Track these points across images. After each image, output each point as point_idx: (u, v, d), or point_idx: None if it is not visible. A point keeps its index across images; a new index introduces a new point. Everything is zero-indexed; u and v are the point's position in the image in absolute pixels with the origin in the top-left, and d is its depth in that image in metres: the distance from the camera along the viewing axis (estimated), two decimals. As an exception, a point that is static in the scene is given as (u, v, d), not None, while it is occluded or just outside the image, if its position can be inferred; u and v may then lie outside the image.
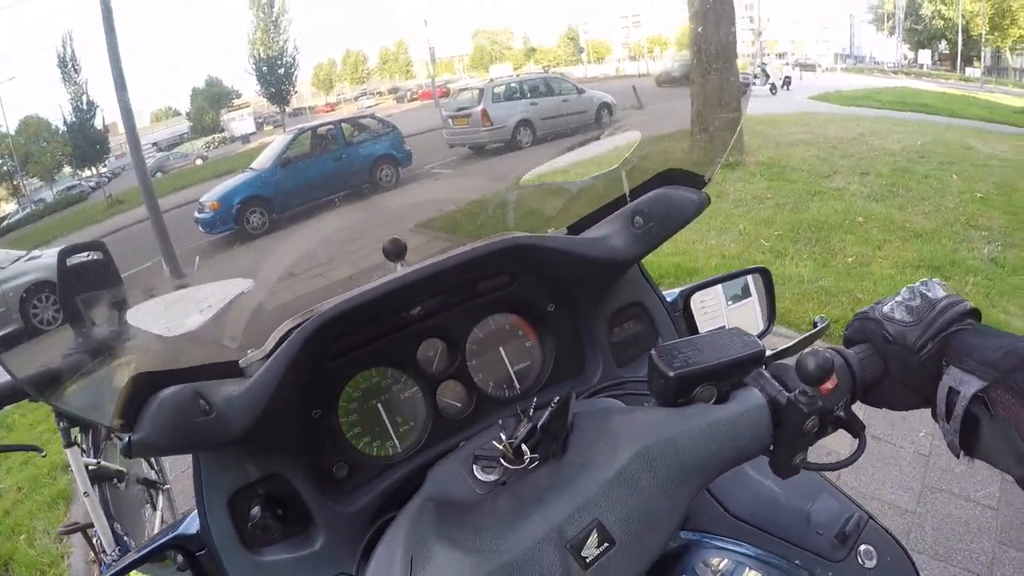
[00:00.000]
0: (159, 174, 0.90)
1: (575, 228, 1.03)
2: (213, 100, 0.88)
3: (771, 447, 0.66)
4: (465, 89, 1.29)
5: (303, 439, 0.80)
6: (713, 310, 1.27)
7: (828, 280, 5.08)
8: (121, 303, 0.81)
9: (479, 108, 1.29)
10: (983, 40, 45.66)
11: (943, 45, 55.85)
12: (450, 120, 1.25)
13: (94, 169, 0.84)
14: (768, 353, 0.71)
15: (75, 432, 2.10)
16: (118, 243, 0.81)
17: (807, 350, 0.64)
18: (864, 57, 66.16)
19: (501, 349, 0.97)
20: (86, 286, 0.79)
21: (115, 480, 2.37)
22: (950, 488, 3.11)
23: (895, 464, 3.25)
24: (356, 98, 1.06)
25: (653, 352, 0.68)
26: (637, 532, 0.59)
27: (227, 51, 0.87)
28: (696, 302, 1.24)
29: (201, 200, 0.95)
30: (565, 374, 1.01)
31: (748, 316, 1.33)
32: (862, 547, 0.86)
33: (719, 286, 1.28)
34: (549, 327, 1.00)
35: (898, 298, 0.74)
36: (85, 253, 0.81)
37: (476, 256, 0.84)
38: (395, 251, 0.92)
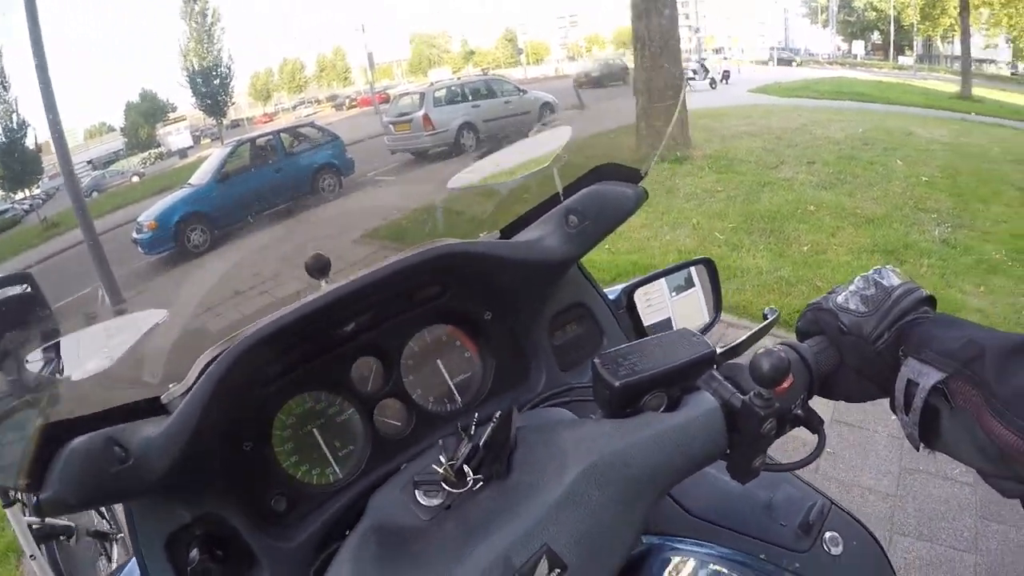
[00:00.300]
0: (95, 193, 0.86)
1: (508, 231, 1.01)
2: (148, 114, 0.86)
3: (728, 451, 0.64)
4: (405, 94, 1.28)
5: (237, 474, 0.76)
6: (658, 304, 1.27)
7: (786, 270, 5.16)
8: (40, 341, 0.77)
9: (420, 113, 1.28)
10: (915, 29, 47.41)
11: (876, 35, 57.93)
12: (391, 126, 1.24)
13: (27, 191, 0.79)
14: (719, 350, 0.68)
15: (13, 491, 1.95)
16: (49, 271, 0.78)
17: (761, 351, 0.62)
18: (799, 50, 68.24)
19: (439, 362, 0.94)
20: (7, 325, 0.74)
21: (63, 537, 2.21)
22: (927, 469, 3.17)
23: (871, 450, 3.30)
24: (295, 107, 1.04)
25: (596, 360, 0.65)
26: (590, 553, 0.57)
27: (161, 63, 0.84)
28: (640, 297, 1.24)
29: (139, 220, 0.91)
30: (508, 383, 0.98)
31: (693, 307, 1.33)
32: (827, 534, 0.85)
33: (663, 279, 1.29)
34: (488, 336, 0.97)
35: (852, 287, 0.73)
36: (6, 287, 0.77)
37: (404, 267, 0.81)
38: (318, 267, 0.86)
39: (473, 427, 0.69)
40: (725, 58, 36.95)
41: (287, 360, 0.81)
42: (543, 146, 1.15)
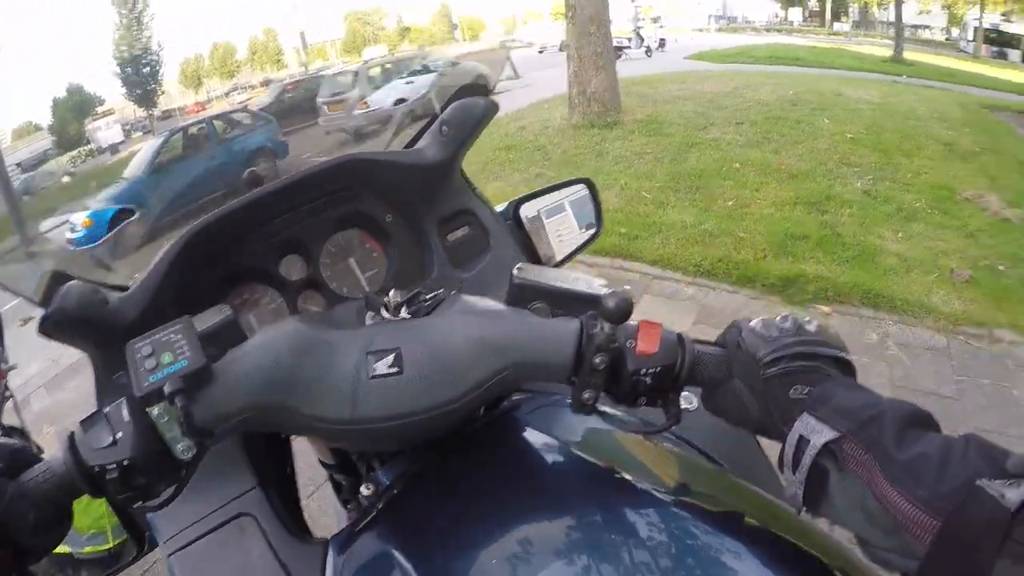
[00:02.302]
0: (26, 197, 0.91)
1: (409, 147, 1.21)
2: (76, 110, 0.89)
3: (573, 377, 0.71)
4: (339, 73, 1.39)
5: None
6: (537, 218, 1.41)
7: (710, 223, 5.45)
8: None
9: (354, 92, 1.39)
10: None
11: (813, 2, 60.11)
12: (325, 107, 1.34)
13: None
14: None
15: None
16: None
17: (616, 291, 0.68)
18: (736, 18, 70.13)
19: (351, 259, 1.14)
20: None
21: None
22: None
23: None
24: (227, 93, 1.12)
25: (518, 264, 0.83)
26: (423, 373, 0.68)
27: (88, 53, 0.86)
28: (525, 212, 1.38)
29: (71, 219, 0.97)
30: (409, 276, 1.18)
31: (575, 224, 1.48)
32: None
33: (545, 196, 1.43)
34: (390, 236, 1.17)
35: (777, 317, 0.74)
36: None
37: (318, 171, 1.00)
38: (251, 181, 1.06)
39: (426, 294, 0.85)
40: (661, 27, 37.59)
41: (228, 252, 0.99)
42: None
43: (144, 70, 0.93)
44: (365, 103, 1.36)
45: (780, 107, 10.22)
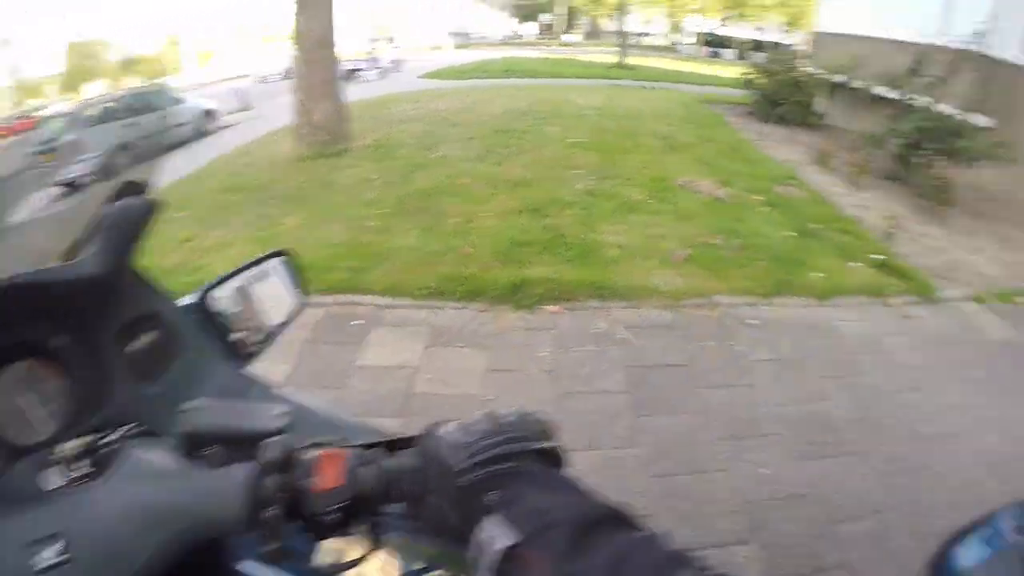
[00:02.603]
0: None
1: (69, 256, 1.08)
2: None
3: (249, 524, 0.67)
4: (52, 117, 1.34)
5: None
6: (238, 303, 1.35)
7: (435, 244, 5.55)
8: None
9: (67, 139, 1.32)
10: (583, 11, 54.11)
11: (546, 17, 64.83)
12: (39, 157, 1.27)
13: None
14: (333, 440, 0.72)
15: None
16: None
17: (273, 439, 0.68)
18: (470, 34, 73.53)
19: (23, 398, 0.99)
20: None
21: None
22: (582, 389, 3.74)
23: (528, 387, 3.77)
24: None
25: (185, 405, 0.75)
26: (91, 557, 0.64)
27: None
28: (218, 299, 1.32)
29: None
30: (93, 401, 1.04)
31: (274, 300, 1.43)
32: None
33: (240, 276, 1.37)
34: (65, 361, 1.04)
35: (472, 418, 0.73)
36: None
37: None
38: None
39: (111, 435, 0.82)
40: (396, 47, 38.42)
41: None
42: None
43: None
44: (81, 149, 1.27)
45: (509, 119, 10.83)
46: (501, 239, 5.58)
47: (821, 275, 5.52)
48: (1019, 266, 6.53)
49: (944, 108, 8.37)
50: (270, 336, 1.41)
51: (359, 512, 0.70)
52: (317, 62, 9.02)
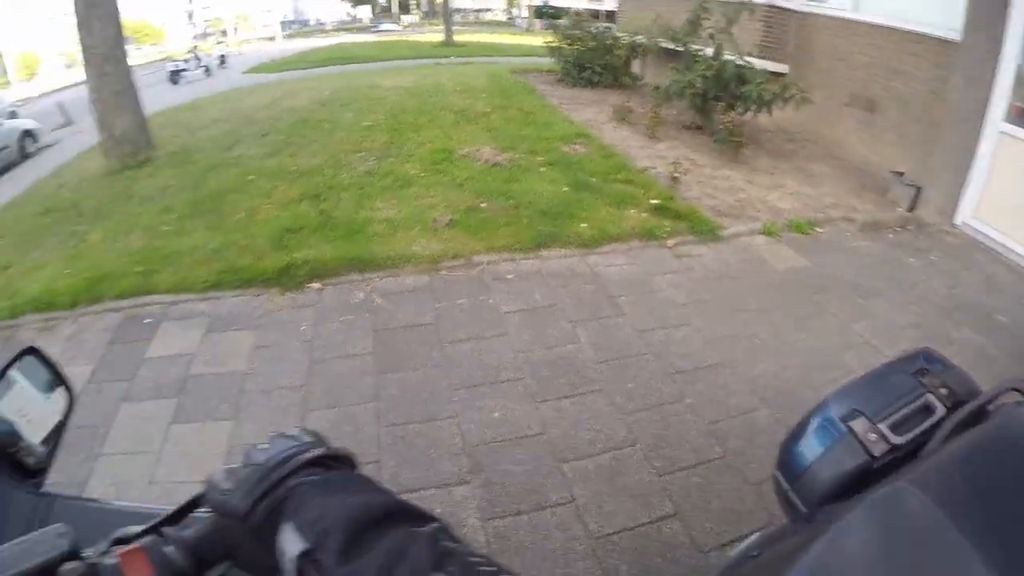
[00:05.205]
0: None
1: None
2: None
3: None
4: None
5: None
6: (2, 420, 1.19)
7: (218, 240, 5.96)
8: None
9: None
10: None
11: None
12: None
13: None
14: (119, 534, 0.72)
15: None
16: None
17: (68, 567, 0.65)
18: (308, 21, 72.02)
19: None
20: None
21: None
22: (333, 355, 4.25)
23: (282, 359, 4.28)
24: None
25: None
26: None
27: None
28: None
29: None
30: None
31: (44, 405, 1.30)
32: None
33: None
34: None
35: (232, 465, 0.74)
36: None
37: None
38: None
39: None
40: (219, 42, 37.45)
41: None
42: None
43: None
44: None
45: (310, 110, 11.19)
46: (276, 228, 6.02)
47: (588, 225, 5.95)
48: (818, 198, 7.04)
49: (732, 58, 8.80)
50: (52, 442, 1.28)
51: None
52: (109, 75, 9.01)
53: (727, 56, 8.91)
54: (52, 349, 4.69)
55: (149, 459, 3.44)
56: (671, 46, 10.45)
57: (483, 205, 6.37)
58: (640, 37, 12.08)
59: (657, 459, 3.26)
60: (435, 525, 0.63)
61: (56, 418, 1.29)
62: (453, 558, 0.58)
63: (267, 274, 5.26)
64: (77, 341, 4.71)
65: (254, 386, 4.02)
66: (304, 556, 0.62)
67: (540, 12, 48.18)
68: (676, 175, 7.14)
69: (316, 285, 5.14)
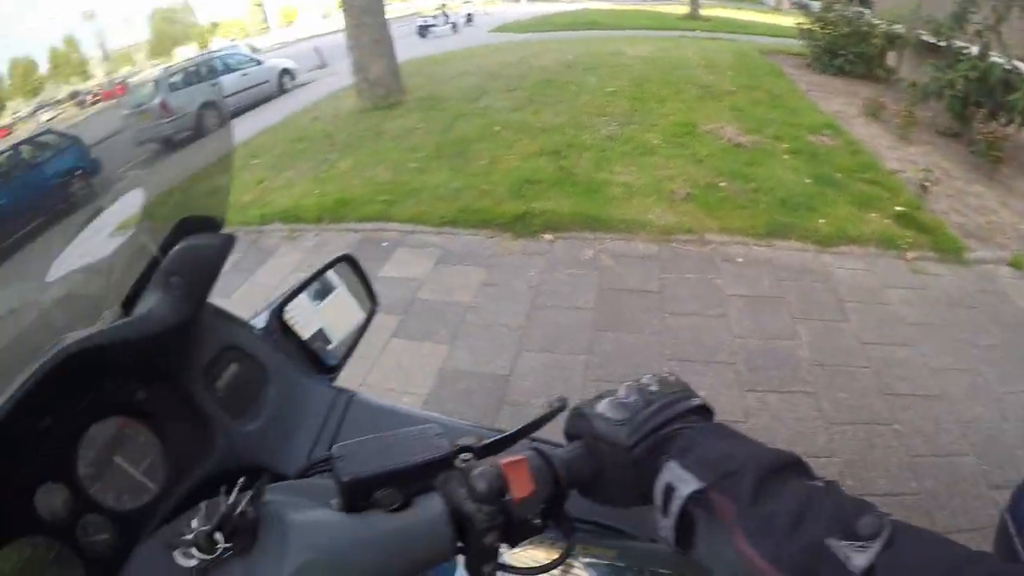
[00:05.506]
0: None
1: (129, 302, 1.01)
2: None
3: (462, 551, 0.68)
4: (142, 82, 1.28)
5: None
6: (309, 315, 1.31)
7: (460, 181, 6.32)
8: None
9: (157, 101, 1.32)
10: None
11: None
12: (132, 118, 1.25)
13: None
14: (485, 442, 0.73)
15: None
16: None
17: (478, 469, 0.66)
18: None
19: (117, 459, 0.94)
20: None
21: None
22: (556, 304, 4.38)
23: (511, 298, 4.47)
24: (34, 112, 1.02)
25: (334, 450, 0.67)
26: None
27: None
28: (291, 315, 1.28)
29: None
30: (192, 451, 1.02)
31: (346, 307, 1.41)
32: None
33: (308, 288, 1.34)
34: (151, 413, 0.99)
35: (618, 393, 0.76)
36: None
37: (32, 384, 0.79)
38: None
39: (235, 492, 0.68)
40: (467, 1, 38.87)
41: None
42: (126, 210, 1.14)
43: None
44: (168, 110, 1.27)
45: (554, 71, 11.38)
46: (516, 178, 6.25)
47: (826, 222, 5.59)
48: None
49: (1000, 61, 7.82)
50: (350, 345, 1.38)
51: (550, 512, 0.72)
52: (367, 25, 9.84)
53: (994, 58, 7.90)
54: (294, 256, 5.46)
55: (366, 364, 3.76)
56: (932, 40, 9.42)
57: (722, 184, 6.23)
58: (898, 26, 11.13)
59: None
60: (830, 480, 0.62)
61: (357, 323, 1.40)
62: (866, 509, 0.56)
63: (503, 219, 5.50)
64: (317, 252, 5.21)
65: (475, 318, 4.25)
66: (697, 494, 0.64)
67: (793, -9, 45.73)
68: (926, 184, 6.47)
69: (549, 236, 5.29)
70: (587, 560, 0.90)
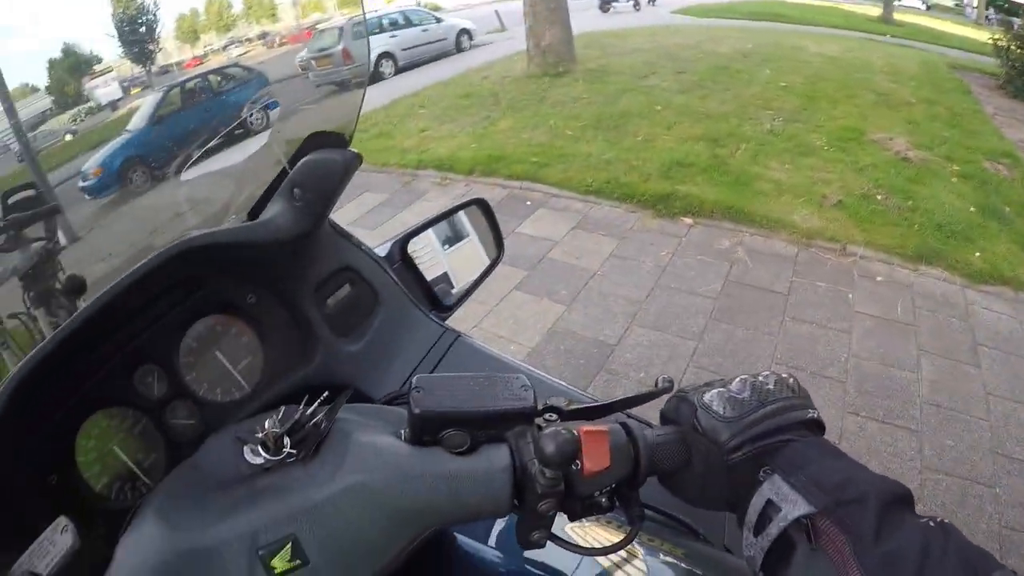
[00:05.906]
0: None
1: (256, 210, 1.06)
2: (73, 69, 0.88)
3: (517, 511, 0.66)
4: (326, 30, 1.34)
5: (46, 511, 0.73)
6: (435, 254, 1.33)
7: (612, 154, 6.46)
8: None
9: (340, 47, 1.34)
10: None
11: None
12: (313, 61, 1.32)
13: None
14: (575, 406, 0.71)
15: None
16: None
17: (550, 430, 0.64)
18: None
19: (217, 353, 1.00)
20: None
21: None
22: (679, 287, 4.47)
23: (636, 272, 4.61)
24: (225, 47, 1.08)
25: (415, 380, 0.66)
26: (334, 559, 0.61)
27: (82, 13, 0.87)
28: (415, 249, 1.29)
29: (83, 169, 0.97)
30: (289, 359, 1.07)
31: (472, 250, 1.41)
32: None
33: (436, 226, 1.36)
34: (258, 318, 1.04)
35: (731, 385, 0.70)
36: None
37: (150, 269, 0.84)
38: (71, 289, 0.92)
39: (316, 403, 0.70)
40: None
41: (68, 384, 0.84)
42: (260, 124, 1.19)
43: (140, 28, 0.93)
44: (350, 57, 1.26)
45: (730, 59, 11.23)
46: (667, 159, 6.30)
47: (981, 257, 5.16)
48: None
49: None
50: (468, 288, 1.39)
51: (621, 494, 0.69)
52: None
53: None
54: (441, 201, 5.84)
55: (484, 309, 4.01)
56: None
57: (878, 196, 5.98)
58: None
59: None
60: (943, 521, 0.57)
61: (480, 268, 1.43)
62: (993, 563, 0.53)
63: (646, 196, 5.62)
64: (461, 201, 5.46)
65: (597, 285, 4.43)
66: (805, 519, 0.58)
67: (995, 4, 41.67)
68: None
69: (688, 220, 5.36)
70: (650, 552, 0.87)
